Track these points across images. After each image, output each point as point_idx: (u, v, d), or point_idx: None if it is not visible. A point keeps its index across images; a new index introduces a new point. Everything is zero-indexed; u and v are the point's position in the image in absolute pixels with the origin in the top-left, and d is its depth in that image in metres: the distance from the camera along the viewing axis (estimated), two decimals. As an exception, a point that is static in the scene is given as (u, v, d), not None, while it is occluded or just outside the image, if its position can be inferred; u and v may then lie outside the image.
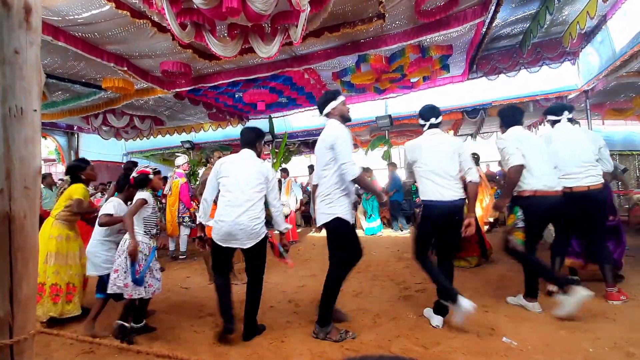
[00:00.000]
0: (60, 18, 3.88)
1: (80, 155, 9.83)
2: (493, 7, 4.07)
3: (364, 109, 8.60)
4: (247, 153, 2.70)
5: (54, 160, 13.70)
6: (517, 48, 5.86)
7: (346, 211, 2.53)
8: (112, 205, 2.77)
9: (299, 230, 8.24)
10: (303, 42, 4.31)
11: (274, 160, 9.52)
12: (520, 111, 3.17)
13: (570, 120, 3.21)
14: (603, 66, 5.63)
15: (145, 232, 2.71)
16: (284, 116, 9.32)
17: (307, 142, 10.80)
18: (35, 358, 1.06)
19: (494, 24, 4.58)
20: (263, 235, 2.55)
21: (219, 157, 4.85)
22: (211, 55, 4.75)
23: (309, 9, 3.42)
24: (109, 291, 2.54)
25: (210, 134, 9.81)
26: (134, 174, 2.77)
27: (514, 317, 2.76)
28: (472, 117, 8.14)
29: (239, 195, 2.50)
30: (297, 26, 3.68)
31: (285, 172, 7.36)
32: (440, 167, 2.63)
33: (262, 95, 6.66)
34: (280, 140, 9.39)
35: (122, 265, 2.52)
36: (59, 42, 4.10)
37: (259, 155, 2.75)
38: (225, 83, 6.03)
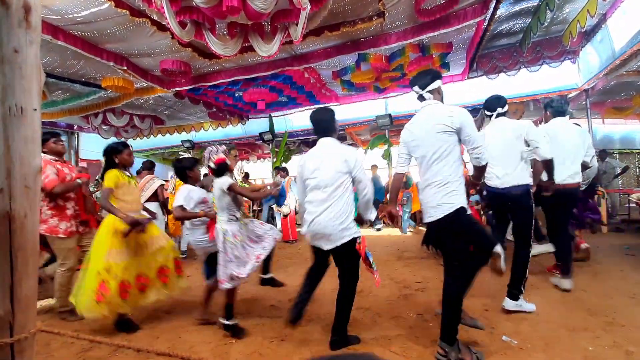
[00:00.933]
0: (59, 17, 3.87)
1: (81, 155, 9.81)
2: (493, 4, 4.07)
3: (364, 108, 8.59)
4: (325, 142, 2.41)
5: (53, 159, 13.64)
6: (517, 47, 5.85)
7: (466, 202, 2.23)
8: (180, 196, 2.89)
9: (299, 229, 8.23)
10: (303, 41, 4.31)
11: (274, 160, 9.53)
12: (566, 101, 3.43)
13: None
14: (603, 65, 5.63)
15: (229, 218, 2.60)
16: (284, 115, 9.31)
17: (307, 141, 10.78)
18: (36, 357, 1.06)
19: (494, 21, 4.56)
20: (348, 239, 2.28)
21: (235, 156, 4.93)
22: (211, 54, 4.73)
23: (309, 7, 3.41)
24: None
25: (211, 133, 9.81)
26: (211, 164, 2.68)
27: (513, 316, 2.77)
28: (472, 116, 8.14)
29: (319, 194, 2.30)
30: (297, 24, 3.68)
31: (284, 171, 7.36)
32: (496, 153, 2.70)
33: (262, 94, 6.65)
34: (281, 139, 9.39)
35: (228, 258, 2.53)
36: (58, 41, 4.10)
37: (340, 139, 2.44)
38: (225, 82, 6.02)
